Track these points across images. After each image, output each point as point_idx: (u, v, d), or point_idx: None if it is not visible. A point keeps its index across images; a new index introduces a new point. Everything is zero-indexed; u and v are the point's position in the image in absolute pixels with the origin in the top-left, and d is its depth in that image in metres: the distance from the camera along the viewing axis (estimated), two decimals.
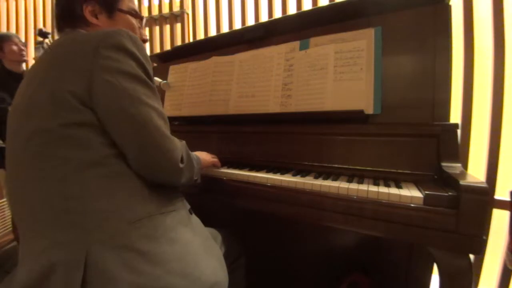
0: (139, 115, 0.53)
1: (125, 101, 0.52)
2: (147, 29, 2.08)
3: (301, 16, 1.05)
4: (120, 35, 0.54)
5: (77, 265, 0.46)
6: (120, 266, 0.47)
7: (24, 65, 1.86)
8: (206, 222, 0.74)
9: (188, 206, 0.70)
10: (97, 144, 0.52)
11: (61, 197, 0.50)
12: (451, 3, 0.79)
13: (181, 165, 0.60)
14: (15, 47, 1.75)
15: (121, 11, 0.68)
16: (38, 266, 0.48)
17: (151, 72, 0.59)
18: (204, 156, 0.86)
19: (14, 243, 1.76)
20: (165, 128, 0.58)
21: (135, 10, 0.71)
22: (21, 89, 0.60)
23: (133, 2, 0.71)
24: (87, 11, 0.64)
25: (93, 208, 0.50)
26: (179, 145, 0.62)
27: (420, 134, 0.76)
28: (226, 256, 0.71)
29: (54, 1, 0.67)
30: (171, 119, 1.07)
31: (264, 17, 1.71)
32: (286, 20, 1.10)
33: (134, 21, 0.71)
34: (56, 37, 0.68)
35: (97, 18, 0.65)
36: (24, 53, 1.82)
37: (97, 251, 0.48)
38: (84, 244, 0.48)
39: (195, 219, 0.69)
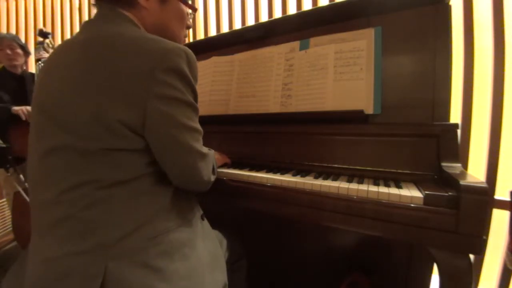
0: (186, 142, 0.55)
1: (175, 129, 0.53)
2: None
3: (301, 16, 1.05)
4: (178, 56, 0.52)
5: (95, 276, 0.46)
6: (136, 281, 0.48)
7: (23, 66, 1.81)
8: None
9: (201, 212, 0.70)
10: (136, 164, 0.52)
11: (85, 208, 0.49)
12: (451, 3, 0.79)
13: (212, 179, 0.65)
14: (2, 52, 1.69)
15: None
16: (53, 273, 0.47)
17: (196, 90, 0.59)
18: (216, 156, 0.88)
19: (14, 243, 1.76)
20: (201, 146, 0.60)
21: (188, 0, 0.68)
22: (44, 83, 0.55)
23: None
24: None
25: (115, 223, 0.50)
26: (212, 159, 0.65)
27: (420, 134, 0.76)
28: (228, 257, 0.71)
29: None
30: None
31: (264, 17, 1.70)
32: (286, 20, 1.10)
33: (185, 9, 0.68)
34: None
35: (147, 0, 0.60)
36: (15, 57, 1.72)
37: (116, 265, 0.48)
38: (104, 257, 0.48)
39: (206, 225, 0.70)
